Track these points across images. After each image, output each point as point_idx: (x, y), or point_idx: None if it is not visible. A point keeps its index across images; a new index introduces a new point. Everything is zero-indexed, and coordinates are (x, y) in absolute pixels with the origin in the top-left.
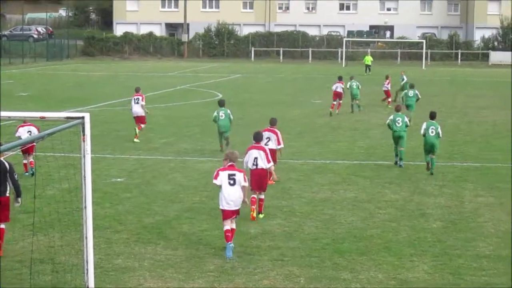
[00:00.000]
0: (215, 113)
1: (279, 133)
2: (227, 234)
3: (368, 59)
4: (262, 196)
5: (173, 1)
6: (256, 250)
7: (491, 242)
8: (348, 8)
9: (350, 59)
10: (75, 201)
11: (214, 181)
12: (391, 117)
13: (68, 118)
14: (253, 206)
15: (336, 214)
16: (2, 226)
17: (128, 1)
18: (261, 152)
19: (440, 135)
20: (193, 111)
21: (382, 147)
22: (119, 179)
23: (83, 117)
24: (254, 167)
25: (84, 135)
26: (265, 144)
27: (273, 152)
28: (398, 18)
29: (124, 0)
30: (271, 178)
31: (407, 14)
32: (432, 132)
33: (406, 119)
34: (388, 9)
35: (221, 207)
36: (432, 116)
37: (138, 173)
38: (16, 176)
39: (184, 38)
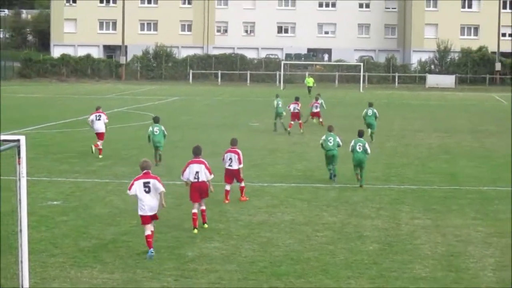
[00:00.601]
0: (150, 129)
1: (240, 152)
2: (148, 239)
3: (310, 81)
4: (204, 207)
5: (111, 23)
6: (194, 274)
7: (427, 264)
8: (286, 31)
9: (288, 82)
10: (11, 224)
11: (128, 192)
12: (323, 137)
13: (3, 141)
14: (196, 223)
15: (274, 237)
16: None
17: (66, 23)
18: (202, 166)
19: (368, 151)
20: (130, 134)
21: (320, 169)
22: (55, 202)
23: (18, 140)
24: (196, 180)
25: (19, 157)
26: (229, 165)
27: (237, 172)
28: (336, 41)
29: (61, 22)
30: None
31: (345, 37)
32: (359, 148)
33: (338, 139)
34: (326, 32)
35: (139, 213)
36: (360, 134)
37: (75, 196)
38: None
39: (122, 60)
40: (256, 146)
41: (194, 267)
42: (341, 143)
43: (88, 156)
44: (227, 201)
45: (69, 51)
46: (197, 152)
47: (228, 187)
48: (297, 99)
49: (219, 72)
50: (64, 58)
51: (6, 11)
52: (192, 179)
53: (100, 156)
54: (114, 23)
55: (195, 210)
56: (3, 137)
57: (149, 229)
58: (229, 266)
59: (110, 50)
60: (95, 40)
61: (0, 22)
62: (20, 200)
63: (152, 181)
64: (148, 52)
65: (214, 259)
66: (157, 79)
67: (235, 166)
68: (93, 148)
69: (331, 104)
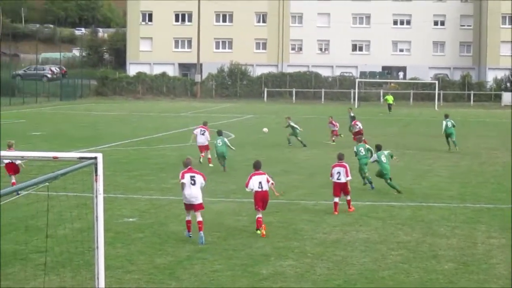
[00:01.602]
0: (214, 142)
1: (347, 166)
2: (188, 224)
3: (390, 99)
4: (260, 215)
5: (186, 42)
6: None
7: (503, 283)
8: (360, 49)
9: (362, 100)
10: (87, 241)
11: (181, 180)
12: (355, 148)
13: (81, 158)
14: (260, 226)
15: (348, 255)
16: None
17: (142, 41)
18: (264, 176)
19: (392, 157)
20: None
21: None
22: (131, 219)
23: (95, 157)
24: (260, 189)
25: (96, 175)
26: (337, 179)
27: (345, 185)
28: (410, 59)
29: (137, 40)
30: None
31: (420, 55)
32: (384, 159)
33: (368, 146)
34: (401, 50)
35: (184, 201)
36: (379, 148)
37: (150, 213)
38: None
39: (197, 78)
40: (331, 164)
41: (269, 285)
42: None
43: (163, 173)
44: (336, 213)
45: (145, 69)
46: (257, 166)
47: (337, 199)
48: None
49: (294, 90)
50: (140, 76)
51: (83, 29)
52: (256, 188)
53: (211, 165)
54: (190, 41)
55: (259, 215)
56: (81, 154)
57: (189, 216)
58: (303, 284)
59: (185, 68)
60: (171, 58)
61: (77, 41)
62: (97, 217)
63: (197, 175)
64: (223, 70)
65: (289, 277)
66: (231, 97)
67: (343, 179)
68: (201, 158)
69: (405, 122)
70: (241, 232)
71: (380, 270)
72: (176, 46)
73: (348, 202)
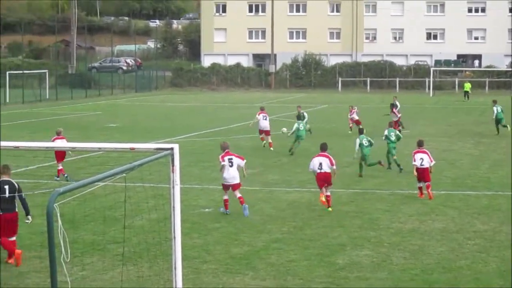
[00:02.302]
0: (296, 125)
1: (330, 157)
2: (226, 203)
3: (468, 86)
4: (329, 193)
5: (260, 32)
6: (344, 281)
7: None
8: (435, 37)
9: (437, 89)
10: (164, 231)
11: (222, 162)
12: (386, 132)
13: (157, 149)
14: (322, 199)
15: (425, 245)
16: (14, 238)
17: (216, 32)
18: (326, 159)
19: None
20: (280, 142)
21: (471, 177)
22: (207, 210)
23: (172, 148)
24: (319, 170)
25: (173, 165)
26: (421, 165)
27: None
28: (485, 46)
29: (211, 31)
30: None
31: (495, 42)
32: (365, 142)
33: (397, 133)
34: (476, 38)
35: (222, 182)
36: (361, 131)
37: None
38: (23, 195)
39: (271, 68)
40: (405, 153)
41: (345, 275)
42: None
43: None
44: (421, 196)
45: (219, 60)
46: (323, 147)
47: (420, 184)
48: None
49: (368, 80)
50: (215, 67)
51: (158, 21)
52: (316, 169)
53: (272, 149)
54: (264, 32)
55: (226, 197)
56: (158, 145)
57: (227, 195)
58: (380, 274)
59: (259, 58)
60: (245, 49)
61: (152, 33)
62: (174, 207)
63: (234, 158)
64: (297, 60)
65: (365, 267)
66: (306, 87)
67: (426, 165)
68: (264, 143)
69: (480, 110)
70: (316, 221)
71: (457, 259)
72: (250, 36)
73: (428, 186)
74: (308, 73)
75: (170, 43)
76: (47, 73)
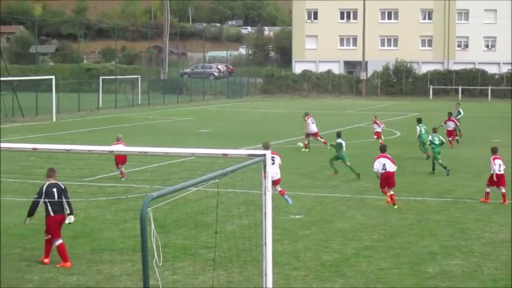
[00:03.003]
0: (418, 128)
1: (391, 157)
2: (282, 193)
3: None
4: (392, 192)
5: (351, 39)
6: None
7: None
8: None
9: None
10: (254, 237)
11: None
12: (430, 137)
13: (250, 155)
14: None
15: None
16: (61, 241)
17: (307, 39)
18: (387, 159)
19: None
20: (370, 150)
21: None
22: (297, 216)
23: (264, 155)
24: (384, 170)
25: (265, 172)
26: (383, 169)
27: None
28: None
29: (303, 38)
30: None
31: None
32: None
33: (441, 137)
34: None
35: None
36: (339, 135)
37: (316, 210)
38: (68, 196)
39: (362, 76)
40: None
41: (435, 284)
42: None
43: (329, 171)
44: (487, 201)
45: (310, 67)
46: (383, 149)
47: (488, 189)
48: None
49: (460, 88)
50: (306, 74)
51: (249, 28)
52: (380, 170)
53: (307, 150)
54: (355, 39)
55: (391, 193)
56: (250, 151)
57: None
58: (470, 283)
59: (350, 65)
60: (336, 56)
61: (244, 39)
62: (265, 213)
63: (275, 156)
64: (388, 67)
65: (456, 276)
66: (396, 95)
67: (503, 170)
68: (301, 144)
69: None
70: (407, 230)
71: None
72: (341, 43)
73: (503, 194)
74: (399, 81)
75: (262, 49)
76: (139, 79)
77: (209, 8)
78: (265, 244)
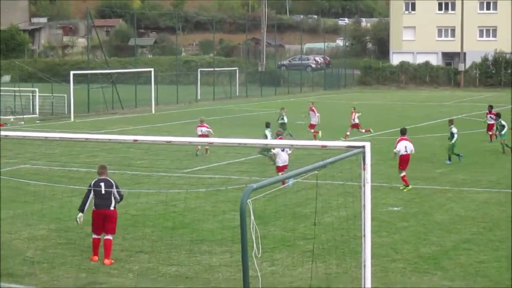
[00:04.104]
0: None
1: (410, 140)
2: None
3: None
4: (404, 173)
5: (449, 30)
6: None
7: None
8: None
9: None
10: (352, 229)
11: (273, 151)
12: (454, 130)
13: (348, 147)
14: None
15: None
16: (110, 237)
17: (404, 31)
18: (408, 142)
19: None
20: (468, 142)
21: None
22: (395, 208)
23: (363, 146)
24: (405, 152)
25: (364, 164)
26: (405, 151)
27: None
28: None
29: (400, 29)
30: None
31: None
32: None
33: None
34: None
35: (277, 164)
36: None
37: (414, 202)
38: (121, 192)
39: (461, 67)
40: None
41: None
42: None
43: (427, 163)
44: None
45: (408, 58)
46: (404, 132)
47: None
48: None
49: None
50: (403, 65)
51: (347, 20)
52: (403, 151)
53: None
54: (453, 30)
55: (403, 174)
56: (349, 143)
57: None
58: None
59: (448, 57)
60: (434, 47)
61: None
62: (364, 205)
63: None
64: (487, 59)
65: None
66: (495, 86)
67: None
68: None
69: None
70: (506, 223)
71: None
72: (439, 35)
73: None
74: (498, 72)
75: (359, 41)
76: (237, 71)
77: (306, 1)
78: (364, 236)
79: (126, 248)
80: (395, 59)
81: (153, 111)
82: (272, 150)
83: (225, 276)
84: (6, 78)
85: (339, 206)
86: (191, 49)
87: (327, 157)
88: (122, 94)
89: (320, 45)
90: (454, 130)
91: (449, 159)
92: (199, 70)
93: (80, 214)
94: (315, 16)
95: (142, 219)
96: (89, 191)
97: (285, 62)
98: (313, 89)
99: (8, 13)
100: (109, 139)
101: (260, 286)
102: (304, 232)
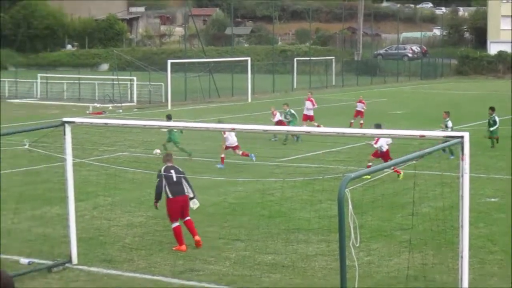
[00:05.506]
0: None
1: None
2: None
3: None
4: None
5: None
6: None
7: None
8: None
9: None
10: (449, 220)
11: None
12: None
13: (447, 137)
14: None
15: None
16: (177, 224)
17: (502, 20)
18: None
19: None
20: None
21: None
22: (493, 199)
23: (462, 137)
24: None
25: (463, 154)
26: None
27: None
28: None
29: (498, 18)
30: None
31: None
32: None
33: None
34: None
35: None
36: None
37: None
38: (188, 181)
39: None
40: None
41: None
42: None
43: None
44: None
45: (506, 48)
46: (378, 126)
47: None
48: None
49: None
50: (501, 55)
51: (444, 9)
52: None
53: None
54: None
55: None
56: (447, 133)
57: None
58: None
59: None
60: None
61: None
62: (462, 196)
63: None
64: None
65: None
66: None
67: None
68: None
69: None
70: None
71: None
72: None
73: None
74: None
75: (456, 30)
76: (333, 60)
77: None
78: (462, 226)
79: (224, 236)
80: (492, 49)
81: (249, 100)
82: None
83: (321, 265)
84: (105, 66)
85: (436, 197)
86: (287, 38)
87: (425, 147)
88: (218, 83)
89: (416, 34)
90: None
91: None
92: (295, 59)
93: (157, 203)
94: (412, 5)
95: (240, 207)
96: (161, 179)
97: (382, 51)
98: (410, 78)
99: (106, 3)
100: (207, 128)
101: (357, 276)
102: (401, 222)
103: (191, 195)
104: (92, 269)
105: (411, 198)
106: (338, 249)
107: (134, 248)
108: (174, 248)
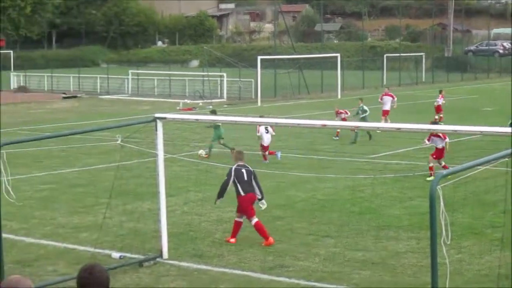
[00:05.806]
0: None
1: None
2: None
3: None
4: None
5: None
6: None
7: None
8: None
9: None
10: None
11: (257, 134)
12: None
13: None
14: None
15: None
16: (256, 219)
17: None
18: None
19: None
20: None
21: None
22: None
23: None
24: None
25: None
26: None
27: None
28: None
29: None
30: None
31: None
32: None
33: None
34: None
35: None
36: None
37: None
38: (258, 181)
39: None
40: None
41: None
42: None
43: None
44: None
45: None
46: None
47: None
48: None
49: None
50: None
51: None
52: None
53: None
54: None
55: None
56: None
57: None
58: None
59: None
60: None
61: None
62: None
63: (269, 127)
64: None
65: None
66: None
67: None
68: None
69: None
70: None
71: None
72: None
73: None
74: None
75: None
76: (423, 56)
77: None
78: None
79: (313, 232)
80: None
81: (339, 96)
82: (257, 133)
83: (412, 263)
84: (195, 63)
85: None
86: (377, 35)
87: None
88: (308, 79)
89: (508, 30)
90: None
91: None
92: (385, 55)
93: (218, 200)
94: (503, 1)
95: (329, 203)
96: (229, 177)
97: (472, 47)
98: (501, 75)
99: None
100: (298, 124)
101: (448, 273)
102: (492, 220)
103: (259, 197)
104: (183, 263)
105: (502, 195)
106: (428, 247)
107: (224, 243)
108: (263, 244)
